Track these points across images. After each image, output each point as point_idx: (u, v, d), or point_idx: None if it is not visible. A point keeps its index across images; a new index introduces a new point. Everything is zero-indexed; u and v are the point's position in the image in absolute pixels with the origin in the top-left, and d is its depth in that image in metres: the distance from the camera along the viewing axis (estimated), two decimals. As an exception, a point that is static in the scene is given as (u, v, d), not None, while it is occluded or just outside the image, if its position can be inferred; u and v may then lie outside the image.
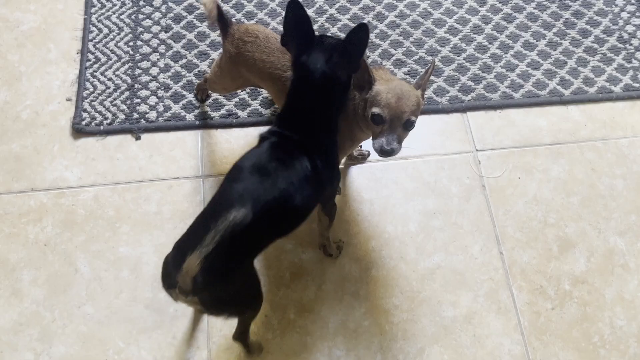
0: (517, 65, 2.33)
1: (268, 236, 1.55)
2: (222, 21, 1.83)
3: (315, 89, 1.55)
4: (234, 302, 1.57)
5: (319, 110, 1.58)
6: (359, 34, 1.47)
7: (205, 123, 2.21)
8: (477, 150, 2.19)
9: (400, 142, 1.60)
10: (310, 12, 2.38)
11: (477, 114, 2.26)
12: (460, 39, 2.38)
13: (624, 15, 2.45)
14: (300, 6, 1.52)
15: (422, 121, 2.15)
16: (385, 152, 1.58)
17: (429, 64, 1.54)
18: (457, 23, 2.41)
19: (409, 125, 1.59)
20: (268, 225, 1.50)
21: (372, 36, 2.36)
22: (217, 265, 1.38)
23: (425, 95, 2.17)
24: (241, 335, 1.75)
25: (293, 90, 1.60)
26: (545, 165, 2.17)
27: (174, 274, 1.42)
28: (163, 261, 1.53)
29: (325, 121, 1.60)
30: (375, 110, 1.57)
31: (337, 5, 2.43)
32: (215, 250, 1.33)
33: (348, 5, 2.44)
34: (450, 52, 2.35)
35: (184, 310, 1.90)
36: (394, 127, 1.57)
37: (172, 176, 2.12)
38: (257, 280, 1.61)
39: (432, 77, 2.29)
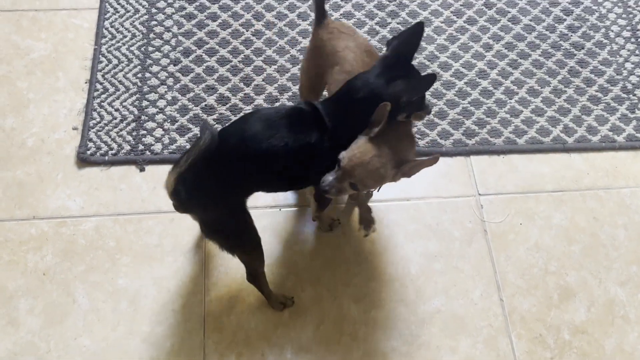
0: (522, 111, 2.35)
1: (241, 177, 1.62)
2: (320, 10, 1.86)
3: (359, 99, 1.61)
4: (220, 233, 1.71)
5: (354, 115, 1.62)
6: (426, 82, 1.59)
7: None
8: (479, 194, 2.20)
9: (340, 191, 1.61)
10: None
11: (481, 158, 2.27)
12: (465, 82, 2.40)
13: (628, 65, 2.48)
14: (421, 31, 1.63)
15: (425, 163, 2.18)
16: (322, 188, 1.62)
17: (431, 157, 1.59)
18: (463, 67, 2.44)
19: (354, 187, 1.61)
20: (242, 166, 1.59)
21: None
22: (190, 185, 1.56)
23: (429, 138, 2.20)
24: (250, 278, 1.86)
25: (348, 84, 1.65)
26: (547, 212, 2.17)
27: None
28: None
29: (352, 127, 1.62)
30: (341, 155, 1.59)
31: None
32: (188, 170, 1.52)
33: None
34: (455, 95, 2.37)
35: (181, 345, 1.89)
36: (343, 178, 1.59)
37: (173, 210, 2.11)
38: (245, 223, 1.72)
39: (437, 120, 2.31)
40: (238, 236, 1.74)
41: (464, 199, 2.19)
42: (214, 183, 1.59)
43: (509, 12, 2.58)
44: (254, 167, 1.62)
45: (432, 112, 2.31)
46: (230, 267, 2.01)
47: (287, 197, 2.08)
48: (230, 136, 1.60)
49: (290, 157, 1.62)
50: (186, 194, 1.58)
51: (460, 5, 2.58)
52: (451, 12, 2.57)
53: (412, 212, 2.16)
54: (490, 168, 2.25)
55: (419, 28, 1.63)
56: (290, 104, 1.91)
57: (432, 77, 1.58)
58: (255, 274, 1.85)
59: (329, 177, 1.60)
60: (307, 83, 2.01)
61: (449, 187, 2.21)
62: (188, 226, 2.08)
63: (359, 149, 1.57)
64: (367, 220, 2.09)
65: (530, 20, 2.56)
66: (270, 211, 2.13)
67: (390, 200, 2.17)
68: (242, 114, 1.87)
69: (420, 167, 1.62)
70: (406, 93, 1.58)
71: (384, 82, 1.60)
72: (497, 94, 2.39)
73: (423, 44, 2.47)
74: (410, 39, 1.64)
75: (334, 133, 1.63)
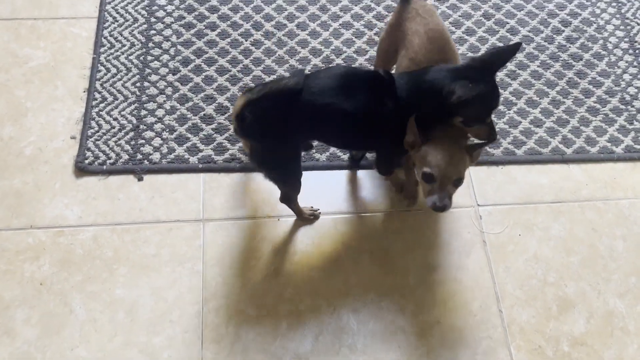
0: (520, 122, 2.35)
1: (310, 124, 1.79)
2: None
3: (425, 83, 1.75)
4: (268, 164, 1.86)
5: (420, 96, 1.75)
6: (489, 91, 1.71)
7: (208, 167, 2.21)
8: (478, 205, 2.19)
9: (450, 198, 1.75)
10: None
11: (480, 168, 2.26)
12: (464, 93, 2.40)
13: (626, 77, 2.48)
14: (516, 50, 1.77)
15: (424, 174, 2.18)
16: (438, 209, 1.75)
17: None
18: (462, 78, 2.44)
19: (457, 183, 1.76)
20: (316, 116, 1.74)
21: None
22: (258, 113, 1.69)
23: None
24: (284, 199, 2.03)
25: (426, 68, 1.78)
26: (546, 223, 2.17)
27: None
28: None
29: (418, 106, 1.75)
30: (426, 170, 1.73)
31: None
32: (260, 100, 1.67)
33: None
34: (454, 106, 2.37)
35: (179, 356, 1.87)
36: (443, 185, 1.73)
37: (173, 219, 2.11)
38: (294, 161, 1.90)
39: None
40: (284, 170, 1.91)
41: (463, 210, 2.18)
42: (281, 119, 1.73)
43: (508, 23, 2.58)
44: (327, 120, 1.77)
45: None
46: (228, 277, 2.00)
47: (285, 208, 2.07)
48: (313, 86, 1.74)
49: (362, 118, 1.76)
50: (252, 119, 1.70)
51: (459, 16, 2.59)
52: (450, 23, 2.57)
53: (411, 222, 2.15)
54: (489, 179, 2.25)
55: (516, 47, 1.77)
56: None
57: (495, 91, 1.72)
58: (289, 197, 2.02)
59: (434, 198, 1.74)
60: (383, 56, 2.10)
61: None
62: (186, 236, 2.08)
63: (436, 155, 1.72)
64: (412, 195, 2.17)
65: (529, 32, 2.57)
66: (269, 221, 2.12)
67: (389, 210, 2.16)
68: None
69: (482, 149, 1.80)
70: (461, 90, 1.63)
71: (452, 77, 1.69)
72: (496, 105, 2.38)
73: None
74: (503, 54, 1.76)
75: (404, 106, 1.75)
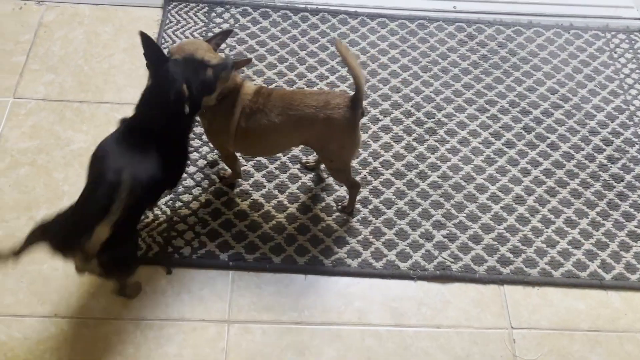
0: (558, 242, 2.30)
1: (143, 202, 1.87)
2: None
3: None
4: (125, 263, 1.88)
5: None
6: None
7: (238, 264, 2.18)
8: (512, 327, 2.12)
9: None
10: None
11: (515, 288, 2.21)
12: (501, 207, 2.37)
13: (669, 202, 2.44)
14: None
15: (457, 289, 2.14)
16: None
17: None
18: (500, 191, 2.41)
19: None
20: (140, 193, 1.75)
21: (413, 194, 2.37)
22: (120, 230, 1.66)
23: (462, 262, 2.16)
24: (122, 290, 2.04)
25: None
26: (582, 352, 2.09)
27: (73, 240, 1.66)
28: (46, 231, 1.74)
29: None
30: None
31: (381, 159, 2.45)
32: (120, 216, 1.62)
33: (392, 160, 2.46)
34: (491, 219, 2.34)
35: None
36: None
37: (198, 318, 2.07)
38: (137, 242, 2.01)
39: (471, 244, 2.27)
40: (137, 257, 2.04)
41: (496, 331, 2.11)
42: (130, 221, 1.86)
43: (549, 138, 2.57)
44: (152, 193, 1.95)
45: (467, 235, 2.28)
46: (250, 387, 1.94)
47: (312, 315, 2.02)
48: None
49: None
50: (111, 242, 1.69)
51: (499, 127, 2.58)
52: (489, 133, 2.56)
53: (442, 341, 2.08)
54: (524, 300, 2.18)
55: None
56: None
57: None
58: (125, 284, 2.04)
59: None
60: None
61: (481, 317, 2.14)
62: (210, 337, 2.03)
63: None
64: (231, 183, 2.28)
65: (570, 148, 2.55)
66: (295, 328, 2.06)
67: (420, 326, 2.10)
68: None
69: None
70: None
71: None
72: (534, 222, 2.35)
73: (460, 164, 2.46)
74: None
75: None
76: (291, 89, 2.06)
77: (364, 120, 2.55)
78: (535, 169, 2.48)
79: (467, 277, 2.20)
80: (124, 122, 1.88)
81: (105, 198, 1.63)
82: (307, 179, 2.38)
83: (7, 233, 2.19)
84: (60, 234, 1.72)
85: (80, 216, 1.71)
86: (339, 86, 2.65)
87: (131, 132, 1.85)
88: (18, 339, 1.99)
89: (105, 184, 1.70)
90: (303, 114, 1.96)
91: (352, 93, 1.96)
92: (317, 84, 2.64)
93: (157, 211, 2.26)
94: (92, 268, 1.75)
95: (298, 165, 2.41)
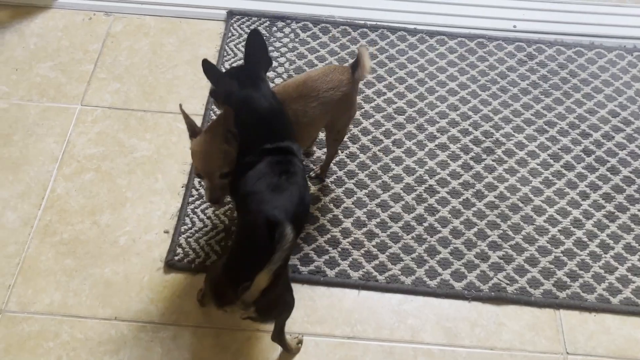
0: (617, 268, 2.26)
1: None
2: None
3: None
4: (280, 304, 1.83)
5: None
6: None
7: (292, 277, 2.20)
8: (567, 353, 2.09)
9: (222, 189, 1.87)
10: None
11: (571, 313, 2.18)
12: (559, 230, 2.35)
13: None
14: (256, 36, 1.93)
15: (512, 312, 2.12)
16: (211, 201, 1.88)
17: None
18: (558, 214, 2.39)
19: (225, 176, 1.84)
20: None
21: (469, 213, 2.36)
22: (277, 275, 1.59)
23: (518, 285, 2.14)
24: (279, 334, 1.95)
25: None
26: (640, 382, 2.04)
27: (231, 292, 1.64)
28: (210, 284, 1.83)
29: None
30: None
31: (437, 177, 2.45)
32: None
33: (448, 178, 2.45)
34: (548, 242, 2.31)
35: None
36: (211, 179, 1.85)
37: (252, 328, 2.10)
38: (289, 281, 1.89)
39: (527, 266, 2.24)
40: (292, 297, 1.91)
41: (550, 356, 2.09)
42: (285, 265, 1.75)
43: (609, 162, 2.53)
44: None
45: (523, 257, 2.26)
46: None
47: (367, 328, 2.03)
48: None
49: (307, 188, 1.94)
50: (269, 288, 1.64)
51: (558, 149, 2.56)
52: (548, 155, 2.54)
53: (496, 363, 2.07)
54: (580, 325, 2.15)
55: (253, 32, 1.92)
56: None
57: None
58: (283, 328, 1.97)
59: (206, 193, 1.88)
60: None
61: (535, 341, 2.11)
62: (264, 348, 2.06)
63: (195, 152, 1.87)
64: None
65: (631, 173, 2.51)
66: (346, 342, 2.08)
67: (473, 347, 2.09)
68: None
69: (222, 121, 1.82)
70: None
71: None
72: (592, 247, 2.31)
73: (517, 184, 2.45)
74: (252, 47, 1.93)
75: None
76: (293, 79, 2.07)
77: (420, 137, 2.56)
78: (594, 193, 2.45)
79: (522, 299, 2.18)
80: (263, 152, 1.84)
81: (264, 243, 1.61)
82: (362, 194, 2.40)
83: (72, 236, 2.27)
84: (219, 284, 1.75)
85: (238, 264, 1.72)
86: (395, 102, 2.66)
87: (274, 164, 1.82)
88: (80, 340, 2.05)
89: (262, 228, 1.66)
90: (325, 99, 2.02)
91: (351, 62, 2.08)
92: (375, 100, 2.66)
93: (215, 220, 2.31)
94: (249, 314, 1.72)
95: (354, 180, 2.43)
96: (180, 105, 1.87)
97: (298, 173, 1.84)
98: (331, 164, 2.42)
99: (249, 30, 2.77)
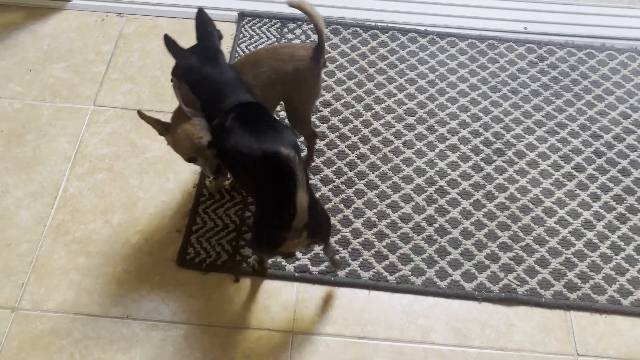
0: (628, 270, 2.26)
1: None
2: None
3: None
4: (324, 221, 1.94)
5: None
6: None
7: (303, 276, 2.22)
8: (578, 354, 2.09)
9: (215, 158, 1.99)
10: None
11: (582, 314, 2.17)
12: (570, 231, 2.34)
13: None
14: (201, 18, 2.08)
15: (522, 313, 2.12)
16: (214, 173, 2.05)
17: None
18: (568, 215, 2.38)
19: (211, 146, 1.96)
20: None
21: (480, 214, 2.36)
22: (310, 195, 1.70)
23: (528, 286, 2.14)
24: (330, 251, 2.07)
25: None
26: (651, 384, 2.04)
27: (278, 230, 1.75)
28: (256, 242, 1.91)
29: None
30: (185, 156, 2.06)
31: (447, 178, 2.46)
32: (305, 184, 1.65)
33: (458, 179, 2.46)
34: (558, 244, 2.31)
35: None
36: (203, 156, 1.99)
37: (263, 327, 2.11)
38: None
39: (537, 267, 2.24)
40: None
41: (561, 357, 2.09)
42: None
43: (619, 164, 2.53)
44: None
45: (533, 258, 2.26)
46: (313, 398, 1.97)
47: (376, 329, 2.04)
48: None
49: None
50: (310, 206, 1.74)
51: (569, 151, 2.55)
52: (559, 156, 2.54)
53: (505, 364, 2.07)
54: (591, 327, 2.15)
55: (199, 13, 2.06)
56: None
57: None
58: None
59: (206, 170, 2.04)
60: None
61: (545, 342, 2.11)
62: (274, 346, 2.07)
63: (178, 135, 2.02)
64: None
65: (650, 176, 2.50)
66: (357, 342, 2.08)
67: (483, 347, 2.09)
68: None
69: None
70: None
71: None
72: (603, 248, 2.31)
73: (528, 186, 2.45)
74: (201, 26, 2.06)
75: None
76: (254, 51, 2.21)
77: (430, 138, 2.56)
78: (605, 195, 2.44)
79: (532, 300, 2.18)
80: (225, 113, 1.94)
81: (276, 178, 1.67)
82: (372, 194, 2.40)
83: (84, 235, 2.28)
84: (264, 234, 1.85)
85: (269, 208, 1.79)
86: (406, 103, 2.67)
87: (241, 116, 1.92)
88: (92, 338, 2.06)
89: (267, 165, 1.69)
90: (276, 68, 2.09)
91: (315, 45, 2.11)
92: (386, 101, 2.67)
93: (226, 220, 2.32)
94: (303, 241, 1.82)
95: (364, 181, 2.43)
96: (139, 112, 2.00)
97: (268, 115, 1.95)
98: (341, 165, 2.42)
99: (260, 32, 2.80)
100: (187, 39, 2.05)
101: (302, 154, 2.38)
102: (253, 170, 1.81)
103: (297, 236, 1.75)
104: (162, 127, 2.04)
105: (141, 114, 1.99)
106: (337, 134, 2.56)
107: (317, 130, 2.53)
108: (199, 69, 1.96)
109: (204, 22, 2.07)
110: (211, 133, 1.96)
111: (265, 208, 1.83)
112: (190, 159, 2.03)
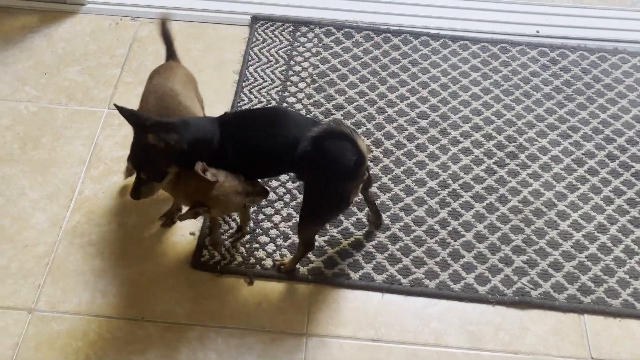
0: (642, 274, 2.26)
1: None
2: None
3: None
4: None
5: None
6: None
7: (316, 278, 2.23)
8: (592, 358, 2.09)
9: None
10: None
11: (596, 318, 2.17)
12: (583, 235, 2.34)
13: None
14: None
15: (536, 316, 2.12)
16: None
17: None
18: (582, 218, 2.39)
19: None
20: None
21: (493, 218, 2.36)
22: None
23: (542, 290, 2.14)
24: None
25: None
26: (666, 388, 2.03)
27: (343, 183, 1.94)
28: (320, 213, 2.04)
29: None
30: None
31: (460, 182, 2.46)
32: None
33: (471, 182, 2.46)
34: (572, 247, 2.31)
35: None
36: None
37: (277, 329, 2.12)
38: None
39: (551, 271, 2.24)
40: None
41: (575, 361, 2.09)
42: None
43: (633, 167, 2.53)
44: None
45: (547, 262, 2.26)
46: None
47: (389, 332, 2.04)
48: None
49: None
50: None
51: (582, 154, 2.55)
52: (572, 160, 2.54)
53: (519, 367, 2.07)
54: (605, 331, 2.15)
55: None
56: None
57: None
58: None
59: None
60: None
61: (559, 346, 2.11)
62: (288, 348, 2.08)
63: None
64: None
65: (661, 183, 2.50)
66: (370, 345, 2.09)
67: (497, 351, 2.09)
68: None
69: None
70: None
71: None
72: (616, 252, 2.31)
73: (541, 189, 2.45)
74: None
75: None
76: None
77: (443, 141, 2.57)
78: (618, 198, 2.44)
79: (546, 304, 2.18)
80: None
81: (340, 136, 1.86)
82: (385, 198, 2.41)
83: (100, 237, 2.30)
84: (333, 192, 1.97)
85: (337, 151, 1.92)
86: (418, 107, 2.67)
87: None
88: (107, 339, 2.08)
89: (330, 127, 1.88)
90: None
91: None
92: (398, 104, 2.68)
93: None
94: (364, 180, 2.03)
95: (377, 184, 2.44)
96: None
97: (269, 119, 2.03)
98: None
99: (273, 35, 2.81)
100: (202, 43, 2.06)
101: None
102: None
103: (361, 180, 1.97)
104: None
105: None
106: (350, 137, 2.57)
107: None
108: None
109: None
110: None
111: (326, 170, 1.93)
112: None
